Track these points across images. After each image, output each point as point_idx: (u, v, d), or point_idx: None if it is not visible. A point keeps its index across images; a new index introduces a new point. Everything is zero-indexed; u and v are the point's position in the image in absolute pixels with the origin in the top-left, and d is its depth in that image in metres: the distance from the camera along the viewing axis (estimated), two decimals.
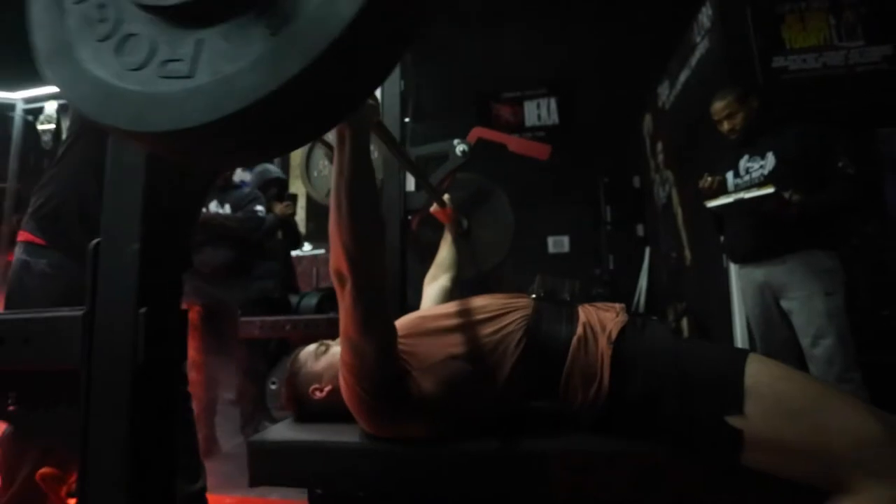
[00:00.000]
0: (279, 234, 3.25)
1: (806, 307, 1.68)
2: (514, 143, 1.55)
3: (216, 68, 0.35)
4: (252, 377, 2.49)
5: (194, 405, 1.36)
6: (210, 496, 1.26)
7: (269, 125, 0.36)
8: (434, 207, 1.50)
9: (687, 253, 3.70)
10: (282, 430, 0.93)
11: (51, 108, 3.76)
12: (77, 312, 0.53)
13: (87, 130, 1.12)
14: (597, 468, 0.76)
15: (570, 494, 0.75)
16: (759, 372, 0.69)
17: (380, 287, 0.75)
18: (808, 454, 0.64)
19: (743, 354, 0.73)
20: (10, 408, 0.57)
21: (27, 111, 3.83)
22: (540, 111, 5.47)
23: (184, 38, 0.36)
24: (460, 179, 1.65)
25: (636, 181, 4.96)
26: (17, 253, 1.11)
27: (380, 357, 0.75)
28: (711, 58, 3.03)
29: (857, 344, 1.64)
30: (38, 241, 1.12)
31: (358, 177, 0.69)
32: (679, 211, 3.84)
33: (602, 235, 4.94)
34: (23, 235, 1.13)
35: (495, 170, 1.82)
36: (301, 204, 5.79)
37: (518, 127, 5.45)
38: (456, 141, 1.53)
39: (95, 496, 0.51)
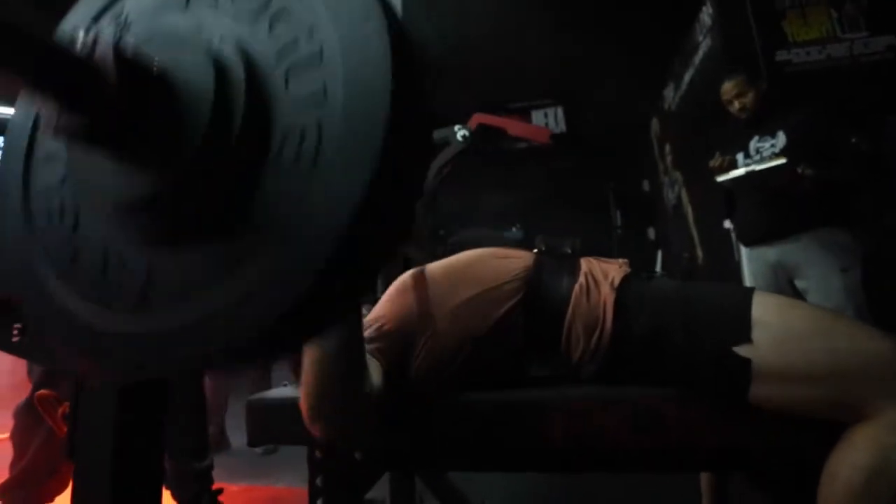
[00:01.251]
0: None
1: (822, 285, 1.64)
2: (513, 126, 1.56)
3: (166, 304, 0.30)
4: (263, 375, 2.50)
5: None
6: (219, 486, 1.27)
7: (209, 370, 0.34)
8: None
9: (699, 252, 3.65)
10: (282, 391, 0.93)
11: None
12: None
13: None
14: (594, 414, 0.73)
15: (568, 442, 0.73)
16: (766, 302, 0.66)
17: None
18: (819, 379, 0.61)
19: (749, 289, 0.71)
20: (15, 339, 0.58)
21: None
22: (547, 120, 5.50)
23: (135, 259, 0.32)
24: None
25: (645, 185, 4.94)
26: None
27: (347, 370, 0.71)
28: (714, 55, 3.03)
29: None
30: None
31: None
32: (689, 210, 3.80)
33: (613, 240, 4.90)
34: None
35: (506, 177, 1.83)
36: None
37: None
38: (457, 127, 1.55)
39: (90, 400, 0.51)
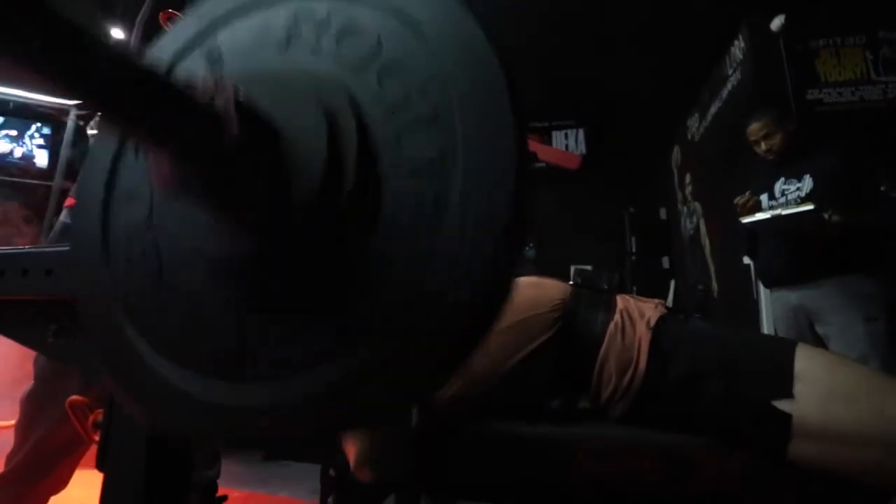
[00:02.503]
0: None
1: (845, 333, 1.60)
2: (544, 151, 1.57)
3: (259, 373, 0.28)
4: None
5: None
6: (222, 492, 1.26)
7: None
8: None
9: (714, 285, 3.60)
10: None
11: None
12: None
13: None
14: (625, 457, 0.72)
15: (596, 482, 0.71)
16: (810, 356, 0.65)
17: None
18: (863, 441, 0.59)
19: (792, 342, 0.69)
20: (50, 340, 0.58)
21: (79, 116, 4.05)
22: (568, 141, 5.51)
23: (225, 318, 0.30)
24: None
25: (662, 213, 4.91)
26: (62, 217, 1.16)
27: None
28: (744, 90, 3.02)
29: None
30: None
31: None
32: (707, 242, 3.76)
33: (627, 266, 4.86)
34: (70, 201, 1.18)
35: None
36: None
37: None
38: None
39: (122, 413, 0.50)
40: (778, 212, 1.65)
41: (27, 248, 0.57)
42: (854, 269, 1.63)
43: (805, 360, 0.64)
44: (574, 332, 0.78)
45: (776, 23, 2.86)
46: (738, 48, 3.09)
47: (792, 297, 1.77)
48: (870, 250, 1.64)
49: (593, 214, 4.88)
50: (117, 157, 0.36)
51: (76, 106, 4.08)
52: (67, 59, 0.19)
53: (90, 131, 4.21)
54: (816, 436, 0.61)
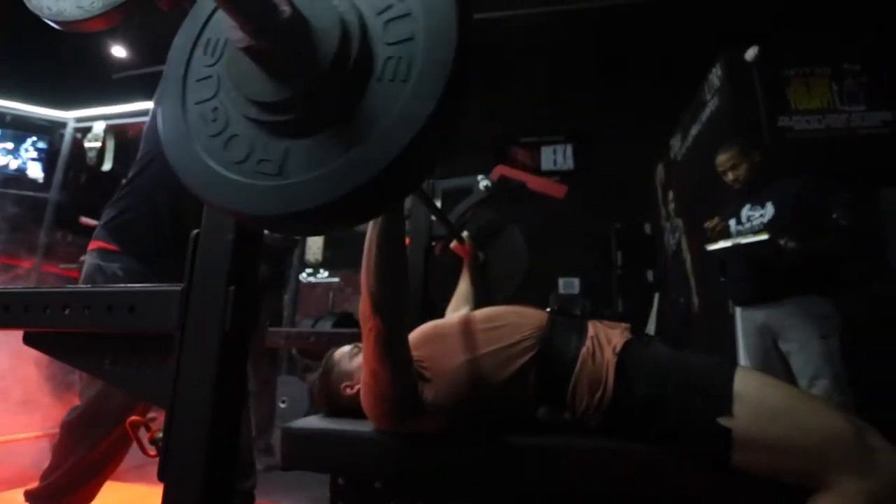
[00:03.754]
0: None
1: (804, 349, 1.76)
2: (533, 181, 1.70)
3: (298, 172, 0.45)
4: (270, 390, 2.58)
5: None
6: None
7: (332, 219, 0.48)
8: (454, 243, 1.63)
9: (695, 299, 3.77)
10: (313, 421, 1.03)
11: (99, 128, 4.03)
12: (176, 287, 0.66)
13: (159, 154, 1.28)
14: (601, 463, 0.84)
15: (576, 485, 0.84)
16: (746, 378, 0.78)
17: (398, 329, 0.85)
18: (787, 451, 0.72)
19: (732, 364, 0.83)
20: (107, 367, 0.69)
21: (77, 129, 4.11)
22: (556, 156, 5.69)
23: (275, 144, 0.47)
24: (477, 216, 1.80)
25: (647, 228, 5.08)
26: (90, 259, 1.27)
27: (394, 380, 0.85)
28: (720, 115, 3.21)
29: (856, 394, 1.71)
30: (111, 247, 1.28)
31: (391, 242, 0.80)
32: (688, 258, 3.93)
33: (612, 279, 5.03)
34: (95, 244, 1.29)
35: (511, 210, 1.96)
36: (321, 234, 6.00)
37: (534, 170, 5.66)
38: (480, 177, 1.69)
39: (182, 434, 0.61)
40: (738, 241, 1.81)
41: (113, 287, 0.69)
42: (812, 290, 1.79)
43: (741, 382, 0.78)
44: (550, 355, 0.91)
45: (750, 53, 3.05)
46: (715, 76, 3.28)
47: (758, 315, 1.93)
48: (826, 274, 1.81)
49: (580, 229, 5.05)
50: (189, 58, 0.54)
51: (75, 119, 4.15)
52: None
53: (87, 144, 4.25)
54: (752, 447, 0.74)
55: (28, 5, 0.75)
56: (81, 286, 0.70)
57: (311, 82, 0.44)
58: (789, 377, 1.81)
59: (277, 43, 0.44)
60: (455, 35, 0.43)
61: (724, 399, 0.77)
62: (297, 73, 0.45)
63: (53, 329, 0.73)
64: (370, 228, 0.81)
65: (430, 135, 0.42)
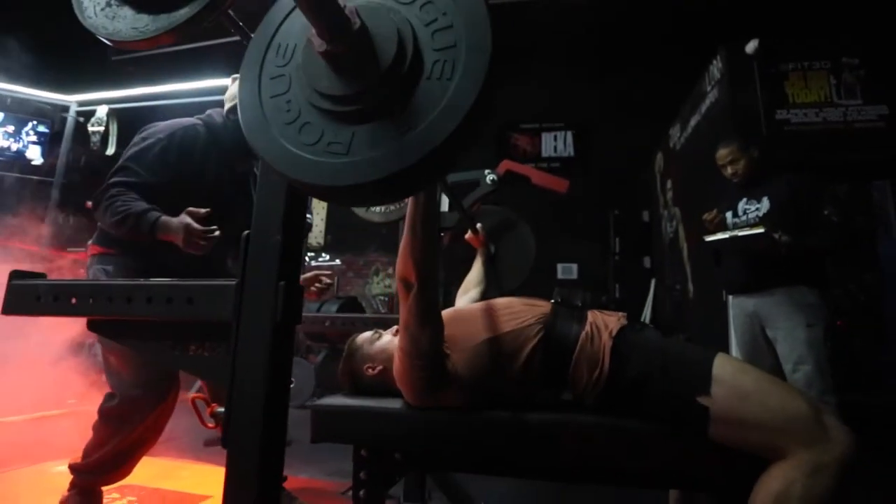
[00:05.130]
0: None
1: (789, 336, 1.87)
2: (536, 176, 1.79)
3: (363, 152, 0.56)
4: None
5: None
6: None
7: (391, 189, 0.58)
8: (468, 235, 1.74)
9: (690, 286, 3.89)
10: (338, 399, 1.14)
11: (102, 111, 4.06)
12: (231, 282, 0.75)
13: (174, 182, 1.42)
14: (597, 439, 0.96)
15: (574, 458, 0.95)
16: (723, 363, 0.89)
17: (436, 291, 0.98)
18: (755, 427, 0.83)
19: (713, 351, 0.94)
20: (192, 351, 0.79)
21: (80, 113, 4.15)
22: (557, 143, 5.76)
23: (343, 129, 0.57)
24: (489, 211, 1.92)
25: (645, 215, 5.19)
26: (91, 263, 1.43)
27: (432, 342, 0.97)
28: (719, 106, 3.28)
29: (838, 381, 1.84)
30: (108, 251, 1.43)
31: (431, 210, 0.92)
32: (684, 246, 4.04)
33: (610, 265, 5.15)
34: (94, 249, 1.43)
35: (512, 194, 2.05)
36: (321, 216, 6.08)
37: (535, 157, 5.73)
38: (487, 171, 1.77)
39: (241, 408, 0.72)
40: (735, 233, 1.92)
41: (172, 281, 0.78)
42: (800, 281, 1.89)
43: (719, 367, 0.89)
44: (554, 340, 1.02)
45: (750, 46, 3.12)
46: (715, 67, 3.34)
47: (749, 303, 2.04)
48: (814, 266, 1.92)
49: (579, 215, 5.15)
50: (263, 59, 0.64)
51: (78, 103, 4.18)
52: None
53: (91, 128, 4.28)
54: (725, 423, 0.86)
55: (83, 23, 0.83)
56: (161, 280, 0.80)
57: (374, 80, 0.56)
58: (775, 363, 1.93)
59: (348, 48, 0.56)
60: (489, 44, 0.54)
61: (703, 380, 0.88)
62: (362, 72, 0.56)
63: (119, 318, 0.83)
64: (410, 207, 0.92)
65: (469, 123, 0.53)
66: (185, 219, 1.29)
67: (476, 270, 1.68)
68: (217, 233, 1.31)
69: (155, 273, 0.88)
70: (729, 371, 0.89)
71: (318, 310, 3.54)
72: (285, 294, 0.73)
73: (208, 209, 1.31)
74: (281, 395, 0.74)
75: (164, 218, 1.30)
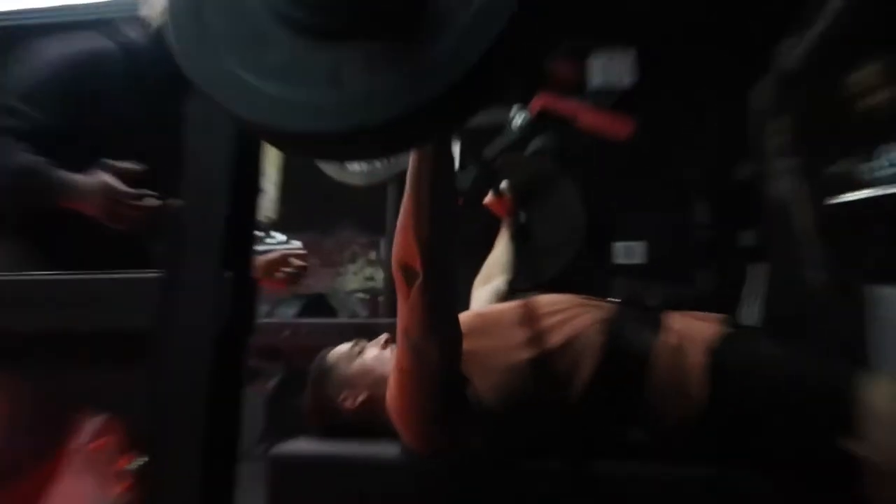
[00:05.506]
0: None
1: None
2: (586, 115, 1.75)
3: (358, 81, 0.55)
4: None
5: None
6: None
7: (400, 136, 0.57)
8: (489, 198, 1.72)
9: (817, 273, 3.86)
10: (307, 444, 1.14)
11: None
12: (153, 275, 0.75)
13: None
14: (691, 499, 0.96)
15: None
16: (881, 391, 0.88)
17: (450, 283, 0.97)
18: None
19: (863, 371, 0.92)
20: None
21: None
22: (610, 70, 5.67)
23: (326, 49, 0.56)
24: (518, 163, 1.88)
25: (743, 172, 5.13)
26: None
27: (444, 360, 0.96)
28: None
29: None
30: None
31: (445, 165, 0.91)
32: (806, 215, 4.00)
33: (691, 243, 5.11)
34: None
35: (550, 142, 2.03)
36: (272, 178, 6.05)
37: (577, 90, 5.66)
38: (514, 110, 1.75)
39: (167, 461, 0.72)
40: (880, 191, 1.88)
41: (64, 275, 0.78)
42: None
43: (875, 396, 0.87)
44: (619, 356, 1.01)
45: None
46: None
47: None
48: None
49: (642, 174, 5.09)
50: None
51: None
52: None
53: None
54: (889, 479, 0.84)
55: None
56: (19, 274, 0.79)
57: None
58: None
59: None
60: None
61: (851, 416, 0.87)
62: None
63: None
64: (413, 162, 0.92)
65: (520, 27, 0.53)
66: (102, 176, 1.28)
67: (500, 250, 1.66)
68: (152, 199, 1.29)
69: (51, 264, 0.87)
70: (890, 402, 0.87)
71: (271, 314, 3.55)
72: (233, 290, 0.72)
73: (138, 165, 1.30)
74: (227, 439, 0.74)
75: (71, 176, 1.29)
